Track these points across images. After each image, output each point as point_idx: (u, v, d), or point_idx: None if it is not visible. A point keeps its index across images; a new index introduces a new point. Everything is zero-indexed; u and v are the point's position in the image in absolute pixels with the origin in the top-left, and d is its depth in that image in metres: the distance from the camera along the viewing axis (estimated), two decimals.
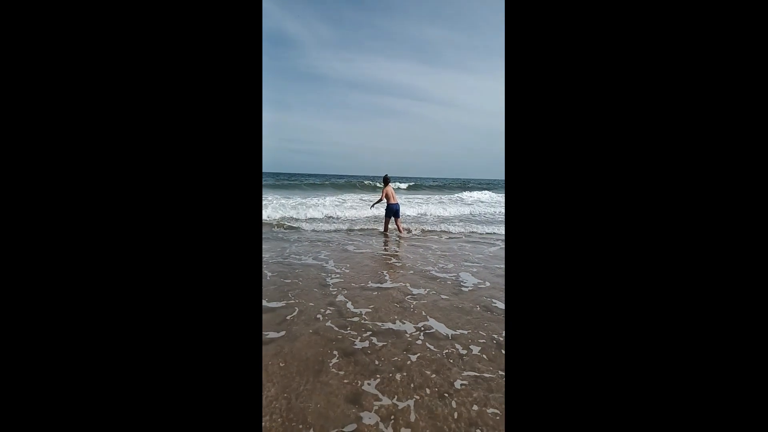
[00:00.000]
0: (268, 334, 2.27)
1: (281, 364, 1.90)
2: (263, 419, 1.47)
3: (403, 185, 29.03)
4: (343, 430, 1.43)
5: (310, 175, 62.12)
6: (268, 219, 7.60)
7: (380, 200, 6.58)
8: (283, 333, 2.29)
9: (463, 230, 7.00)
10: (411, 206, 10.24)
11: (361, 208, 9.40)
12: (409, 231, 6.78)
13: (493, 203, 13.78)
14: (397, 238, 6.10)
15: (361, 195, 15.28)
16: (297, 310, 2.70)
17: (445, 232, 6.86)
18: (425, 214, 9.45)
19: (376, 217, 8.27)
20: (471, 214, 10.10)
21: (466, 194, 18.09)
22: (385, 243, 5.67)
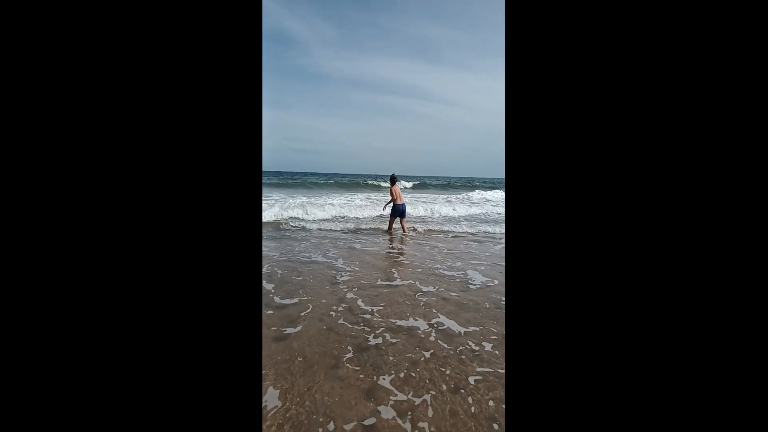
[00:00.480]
0: (285, 330, 2.32)
1: (299, 359, 1.95)
2: (286, 412, 1.52)
3: (408, 184, 29.03)
4: (363, 423, 1.47)
5: (312, 174, 62.18)
6: (275, 218, 7.66)
7: (390, 201, 6.58)
8: (299, 328, 2.34)
9: (469, 230, 7.00)
10: (418, 204, 10.23)
11: (368, 208, 9.43)
12: (414, 230, 6.81)
13: (501, 203, 13.61)
14: (403, 236, 6.13)
15: (368, 194, 15.30)
16: (310, 306, 2.74)
17: (450, 231, 6.88)
18: (432, 213, 9.46)
19: (384, 217, 8.30)
20: (480, 213, 10.07)
21: (473, 193, 17.91)
22: (392, 241, 5.71)
